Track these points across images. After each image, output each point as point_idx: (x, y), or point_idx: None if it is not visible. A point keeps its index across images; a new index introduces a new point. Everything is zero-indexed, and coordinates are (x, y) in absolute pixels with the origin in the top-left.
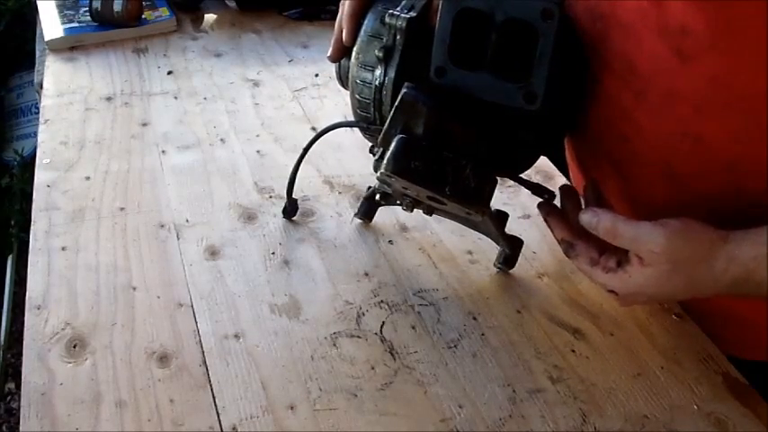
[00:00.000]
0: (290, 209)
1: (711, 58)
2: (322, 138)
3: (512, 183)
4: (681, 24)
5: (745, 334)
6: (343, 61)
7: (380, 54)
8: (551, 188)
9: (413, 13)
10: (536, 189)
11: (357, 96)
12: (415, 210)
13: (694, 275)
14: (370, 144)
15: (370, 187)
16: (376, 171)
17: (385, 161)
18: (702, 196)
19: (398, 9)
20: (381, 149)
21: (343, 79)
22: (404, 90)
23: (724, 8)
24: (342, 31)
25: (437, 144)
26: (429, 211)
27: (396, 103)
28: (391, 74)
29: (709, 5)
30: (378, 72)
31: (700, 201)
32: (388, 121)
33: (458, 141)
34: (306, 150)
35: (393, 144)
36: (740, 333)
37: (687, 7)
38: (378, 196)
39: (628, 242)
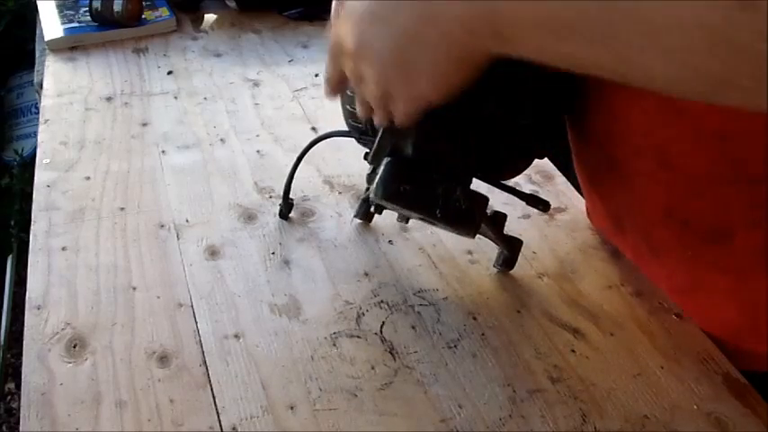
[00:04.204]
0: (286, 210)
1: None
2: None
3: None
4: None
5: (743, 357)
6: None
7: None
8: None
9: None
10: (531, 200)
11: (348, 107)
12: None
13: None
14: (366, 150)
15: (368, 188)
16: (369, 183)
17: (374, 186)
18: (698, 176)
19: None
20: (373, 167)
21: None
22: None
23: None
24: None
25: (426, 164)
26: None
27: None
28: None
29: None
30: None
31: (698, 185)
32: (377, 141)
33: (447, 159)
34: (301, 157)
35: (382, 168)
36: (737, 354)
37: None
38: (372, 208)
39: None
